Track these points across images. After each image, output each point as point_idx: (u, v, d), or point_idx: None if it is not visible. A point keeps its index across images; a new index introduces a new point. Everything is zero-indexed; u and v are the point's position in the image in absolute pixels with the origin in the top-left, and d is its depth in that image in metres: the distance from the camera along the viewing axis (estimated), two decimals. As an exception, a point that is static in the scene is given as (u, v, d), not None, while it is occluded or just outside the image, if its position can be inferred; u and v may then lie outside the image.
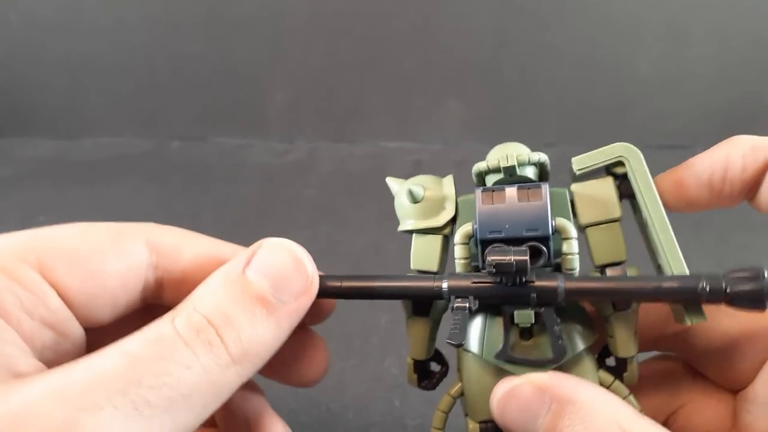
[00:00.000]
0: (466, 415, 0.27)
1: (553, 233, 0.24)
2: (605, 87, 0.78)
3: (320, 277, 0.26)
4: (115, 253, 0.24)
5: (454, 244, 0.25)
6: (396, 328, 0.51)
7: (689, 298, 0.23)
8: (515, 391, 0.23)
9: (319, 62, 0.80)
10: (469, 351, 0.26)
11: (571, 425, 0.21)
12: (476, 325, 0.26)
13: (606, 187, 0.25)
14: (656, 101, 0.76)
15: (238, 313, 0.22)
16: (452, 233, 0.26)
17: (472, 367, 0.26)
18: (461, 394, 0.27)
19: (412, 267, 0.28)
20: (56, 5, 0.81)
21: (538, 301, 0.23)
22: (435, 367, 0.30)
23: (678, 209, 0.26)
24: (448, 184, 0.27)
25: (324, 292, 0.26)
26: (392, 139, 0.78)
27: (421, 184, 0.27)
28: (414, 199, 0.26)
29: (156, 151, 0.81)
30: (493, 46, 0.77)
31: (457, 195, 0.27)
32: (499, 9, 0.76)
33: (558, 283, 0.23)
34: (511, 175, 0.25)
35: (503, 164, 0.24)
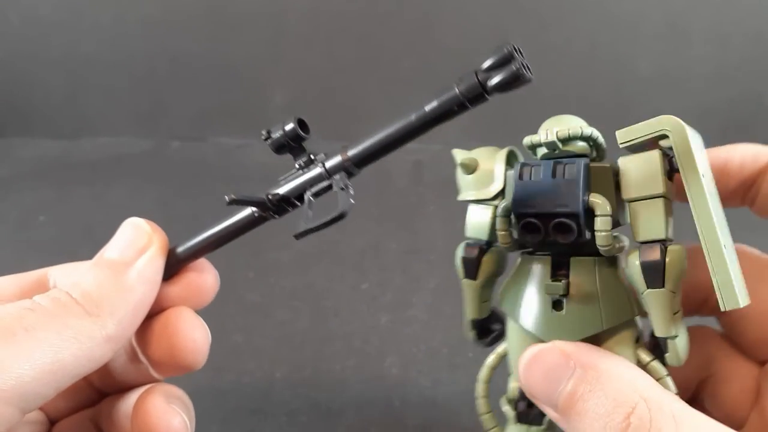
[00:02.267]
0: (510, 374, 0.29)
1: (585, 210, 0.24)
2: (605, 87, 0.78)
3: (172, 248, 0.28)
4: None
5: (497, 216, 0.26)
6: (396, 328, 0.51)
7: (455, 109, 0.23)
8: (540, 356, 0.23)
9: (319, 62, 0.80)
10: (508, 316, 0.27)
11: (591, 390, 0.21)
12: (516, 291, 0.26)
13: (651, 161, 0.24)
14: (656, 101, 0.76)
15: (87, 277, 0.25)
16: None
17: (512, 330, 0.27)
18: (505, 355, 0.28)
19: (466, 235, 0.29)
20: (56, 5, 0.81)
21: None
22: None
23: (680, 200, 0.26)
24: (502, 156, 0.27)
25: (179, 258, 0.28)
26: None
27: (476, 156, 0.28)
28: (466, 171, 0.28)
29: (156, 151, 0.81)
30: (492, 46, 0.77)
31: (512, 167, 0.27)
32: (499, 9, 0.76)
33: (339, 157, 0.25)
34: (554, 150, 0.25)
35: (543, 139, 0.25)
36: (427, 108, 0.23)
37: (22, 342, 0.21)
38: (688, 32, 0.75)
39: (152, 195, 0.71)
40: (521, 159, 0.28)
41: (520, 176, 0.25)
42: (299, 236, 0.25)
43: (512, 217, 0.25)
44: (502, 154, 0.28)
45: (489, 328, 0.30)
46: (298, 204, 0.27)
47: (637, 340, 0.26)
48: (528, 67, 0.23)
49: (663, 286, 0.23)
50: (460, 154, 0.29)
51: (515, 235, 0.26)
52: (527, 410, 0.28)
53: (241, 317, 0.52)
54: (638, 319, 0.26)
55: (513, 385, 0.28)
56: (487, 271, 0.28)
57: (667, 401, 0.21)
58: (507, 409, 0.28)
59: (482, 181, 0.27)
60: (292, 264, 0.59)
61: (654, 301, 0.24)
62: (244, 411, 0.44)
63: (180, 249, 0.28)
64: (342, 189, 0.25)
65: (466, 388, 0.45)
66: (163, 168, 0.78)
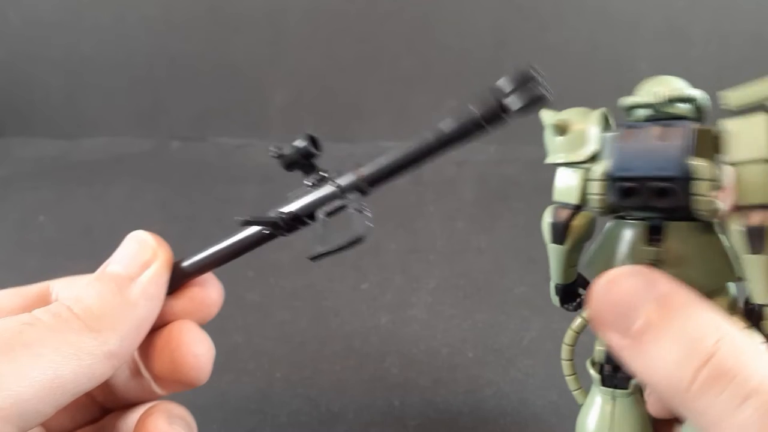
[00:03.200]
0: (597, 337, 0.28)
1: (687, 174, 0.23)
2: (605, 87, 0.78)
3: (177, 261, 0.28)
4: None
5: (590, 179, 0.25)
6: (396, 328, 0.51)
7: (473, 131, 0.23)
8: (621, 277, 0.22)
9: (319, 62, 0.80)
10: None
11: (674, 318, 0.20)
12: (606, 256, 0.26)
13: (758, 124, 0.23)
14: (656, 101, 0.76)
15: (89, 292, 0.24)
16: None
17: None
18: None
19: (553, 198, 0.28)
20: (56, 5, 0.81)
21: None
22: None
23: None
24: (595, 117, 0.27)
25: (184, 272, 0.28)
26: (392, 139, 0.78)
27: (568, 117, 0.27)
28: (557, 133, 0.27)
29: (156, 151, 0.81)
30: (492, 46, 0.77)
31: (605, 129, 0.26)
32: (498, 9, 0.76)
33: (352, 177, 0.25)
34: (657, 112, 0.25)
35: (651, 100, 0.24)
36: (445, 128, 0.23)
37: (21, 358, 0.21)
38: (688, 32, 0.75)
39: (152, 195, 0.71)
40: (611, 121, 0.27)
41: (623, 138, 0.24)
42: (315, 259, 0.25)
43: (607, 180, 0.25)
44: (596, 115, 0.27)
45: (575, 292, 0.30)
46: (309, 222, 0.27)
47: (733, 307, 0.25)
48: (548, 88, 0.23)
49: (762, 251, 0.22)
50: (549, 115, 0.28)
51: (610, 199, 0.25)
52: (612, 374, 0.28)
53: (241, 317, 0.52)
54: (733, 286, 0.25)
55: (599, 349, 0.28)
56: (576, 236, 0.27)
57: (754, 343, 0.20)
58: (592, 372, 0.28)
59: (574, 144, 0.27)
60: (292, 264, 0.59)
61: (755, 266, 0.23)
62: (244, 411, 0.44)
63: (185, 263, 0.28)
64: (359, 210, 0.25)
65: (466, 388, 0.45)
66: (163, 168, 0.78)
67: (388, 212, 0.66)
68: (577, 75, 0.78)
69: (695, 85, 0.29)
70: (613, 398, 0.28)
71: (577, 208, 0.27)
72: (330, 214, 0.26)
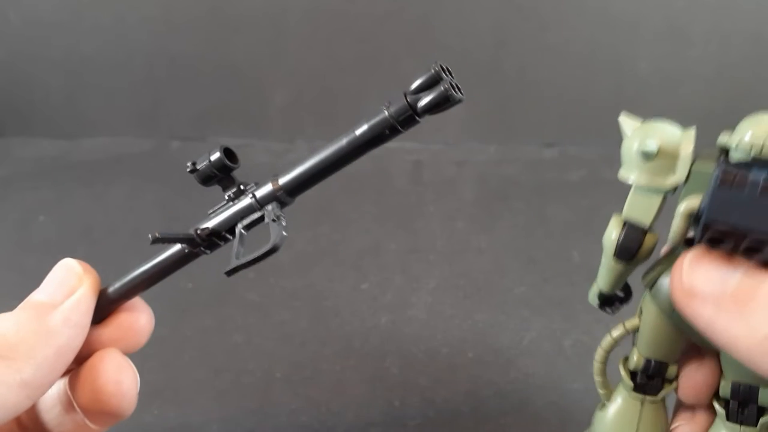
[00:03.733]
0: (634, 344, 0.29)
1: None
2: (605, 87, 0.78)
3: (105, 288, 0.27)
4: None
5: (677, 207, 0.24)
6: (396, 328, 0.51)
7: (387, 133, 0.23)
8: (708, 254, 0.22)
9: (319, 62, 0.80)
10: (653, 299, 0.27)
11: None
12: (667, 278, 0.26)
13: None
14: (656, 101, 0.76)
15: (8, 320, 0.23)
16: (674, 192, 0.25)
17: (651, 312, 0.27)
18: (635, 330, 0.28)
19: (623, 215, 0.26)
20: (56, 5, 0.81)
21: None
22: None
23: None
24: (687, 140, 0.24)
25: (111, 298, 0.27)
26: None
27: (659, 136, 0.24)
28: (647, 160, 0.24)
29: (156, 151, 0.81)
30: (492, 46, 0.77)
31: (694, 156, 0.24)
32: (498, 9, 0.76)
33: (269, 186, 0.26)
34: (760, 155, 0.22)
35: (755, 153, 0.22)
36: (358, 132, 0.23)
37: None
38: (688, 33, 0.75)
39: (152, 195, 0.71)
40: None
41: (723, 181, 0.21)
42: (230, 273, 0.25)
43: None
44: (691, 136, 0.24)
45: (616, 296, 0.30)
46: (230, 238, 0.26)
47: None
48: (458, 87, 0.23)
49: None
50: (630, 124, 0.26)
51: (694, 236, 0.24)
52: (646, 382, 0.28)
53: (241, 317, 0.52)
54: None
55: (636, 358, 0.28)
56: (643, 256, 0.27)
57: None
58: (624, 377, 0.29)
59: (660, 168, 0.24)
60: (292, 264, 0.59)
61: None
62: (244, 411, 0.44)
63: (111, 289, 0.28)
64: (274, 220, 0.24)
65: (466, 388, 0.45)
66: (163, 168, 0.78)
67: (388, 212, 0.66)
68: (577, 75, 0.78)
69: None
70: (642, 403, 0.28)
71: (648, 228, 0.26)
72: (248, 227, 0.26)
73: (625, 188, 0.26)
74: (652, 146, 0.24)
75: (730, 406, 0.27)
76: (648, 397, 0.28)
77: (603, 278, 0.28)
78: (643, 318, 0.28)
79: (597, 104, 0.77)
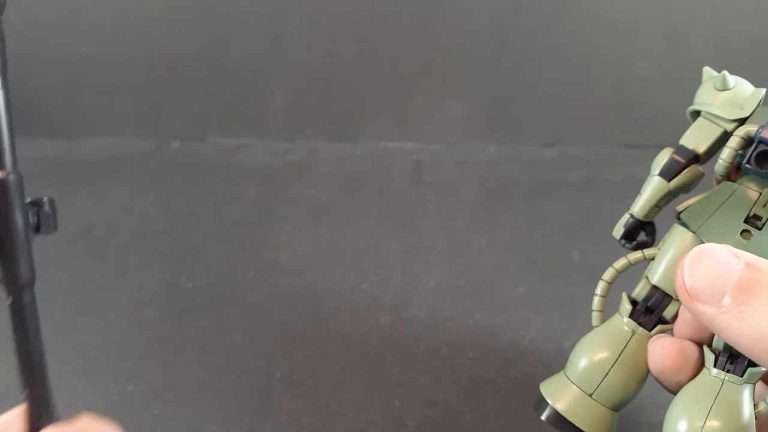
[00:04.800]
0: (646, 277, 0.29)
1: None
2: (605, 87, 0.78)
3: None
4: None
5: (733, 134, 0.27)
6: (396, 328, 0.51)
7: None
8: (710, 251, 0.23)
9: (319, 62, 0.80)
10: (690, 226, 0.28)
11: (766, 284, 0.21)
12: (707, 207, 0.27)
13: None
14: (656, 101, 0.76)
15: None
16: (731, 132, 0.28)
17: (682, 238, 0.28)
18: (651, 258, 0.29)
19: (680, 142, 0.29)
20: (56, 5, 0.81)
21: None
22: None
23: None
24: (757, 93, 0.28)
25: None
26: (392, 139, 0.78)
27: (736, 79, 0.28)
28: (723, 86, 0.28)
29: (156, 151, 0.81)
30: (492, 46, 0.77)
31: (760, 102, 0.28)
32: (498, 9, 0.76)
33: None
34: None
35: None
36: None
37: None
38: (688, 33, 0.75)
39: (152, 195, 0.71)
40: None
41: None
42: None
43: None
44: (761, 92, 0.28)
45: (641, 230, 0.31)
46: None
47: None
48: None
49: None
50: (710, 71, 0.29)
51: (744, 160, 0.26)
52: (645, 312, 0.29)
53: (241, 317, 0.52)
54: None
55: (642, 286, 0.29)
56: (684, 180, 0.29)
57: None
58: (624, 300, 0.29)
59: (732, 102, 0.28)
60: (292, 264, 0.59)
61: None
62: (244, 411, 0.44)
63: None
64: None
65: (466, 388, 0.45)
66: (163, 168, 0.78)
67: (388, 212, 0.66)
68: (577, 75, 0.78)
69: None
70: (633, 332, 0.29)
71: (696, 160, 0.28)
72: None
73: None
74: (730, 79, 0.28)
75: (719, 357, 0.27)
76: (639, 330, 0.28)
77: (641, 201, 0.29)
78: (665, 246, 0.29)
79: (597, 104, 0.77)
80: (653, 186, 0.29)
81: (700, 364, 0.28)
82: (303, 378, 0.46)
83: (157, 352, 0.50)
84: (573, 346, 0.30)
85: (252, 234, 0.63)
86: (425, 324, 0.51)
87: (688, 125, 0.29)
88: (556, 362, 0.30)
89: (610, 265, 0.30)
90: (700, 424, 0.25)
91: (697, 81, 0.29)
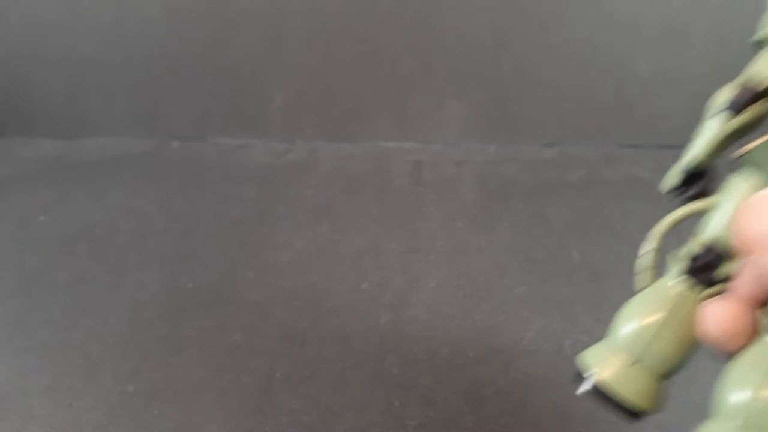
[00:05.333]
0: (699, 232, 0.27)
1: None
2: (605, 87, 0.78)
3: None
4: None
5: None
6: (396, 328, 0.51)
7: None
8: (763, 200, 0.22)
9: (319, 62, 0.80)
10: (757, 169, 0.25)
11: None
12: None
13: None
14: (656, 101, 0.76)
15: None
16: None
17: (746, 185, 0.26)
18: (708, 211, 0.27)
19: (747, 74, 0.28)
20: (56, 5, 0.81)
21: None
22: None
23: None
24: None
25: None
26: (392, 139, 0.78)
27: None
28: None
29: (156, 151, 0.81)
30: (492, 46, 0.77)
31: None
32: (498, 9, 0.76)
33: None
34: None
35: None
36: None
37: None
38: (688, 33, 0.75)
39: (152, 195, 0.71)
40: None
41: None
42: None
43: None
44: None
45: (701, 177, 0.29)
46: None
47: None
48: None
49: None
50: None
51: None
52: (702, 268, 0.26)
53: (241, 317, 0.52)
54: None
55: (693, 244, 0.26)
56: (752, 115, 0.27)
57: None
58: (675, 260, 0.26)
59: None
60: (292, 264, 0.59)
61: None
62: (244, 411, 0.44)
63: None
64: None
65: (466, 388, 0.45)
66: (163, 168, 0.78)
67: (388, 212, 0.66)
68: (577, 75, 0.78)
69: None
70: (682, 293, 0.25)
71: (762, 96, 0.27)
72: None
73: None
74: None
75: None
76: (690, 291, 0.25)
77: (700, 143, 0.28)
78: (723, 196, 0.26)
79: (597, 104, 0.77)
80: (715, 126, 0.26)
81: (755, 330, 0.26)
82: (303, 378, 0.46)
83: (156, 352, 0.50)
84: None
85: (252, 234, 0.63)
86: (425, 324, 0.51)
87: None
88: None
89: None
90: (766, 393, 0.23)
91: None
